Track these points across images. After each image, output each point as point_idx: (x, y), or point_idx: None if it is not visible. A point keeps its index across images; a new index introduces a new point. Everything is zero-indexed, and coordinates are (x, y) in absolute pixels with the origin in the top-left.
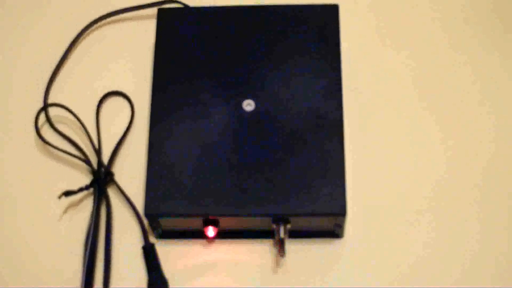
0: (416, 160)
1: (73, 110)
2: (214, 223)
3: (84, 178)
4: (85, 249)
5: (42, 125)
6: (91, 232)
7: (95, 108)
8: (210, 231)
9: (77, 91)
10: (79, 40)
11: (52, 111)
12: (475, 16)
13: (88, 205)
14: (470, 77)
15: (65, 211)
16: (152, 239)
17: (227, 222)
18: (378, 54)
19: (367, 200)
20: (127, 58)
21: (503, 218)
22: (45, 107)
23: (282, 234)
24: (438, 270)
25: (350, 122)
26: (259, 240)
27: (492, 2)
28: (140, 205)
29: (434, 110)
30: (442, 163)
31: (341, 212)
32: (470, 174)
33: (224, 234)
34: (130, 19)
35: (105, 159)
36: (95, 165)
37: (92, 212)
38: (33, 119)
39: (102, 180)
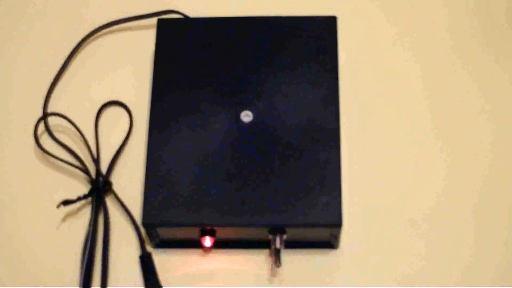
0: (413, 171)
1: (72, 119)
2: (211, 233)
3: (82, 187)
4: (83, 258)
5: (41, 134)
6: (89, 241)
7: (94, 117)
8: (207, 241)
9: (76, 100)
10: (79, 50)
11: (51, 120)
12: (482, 28)
13: (86, 214)
14: (469, 82)
15: (64, 220)
16: (149, 248)
17: (224, 232)
18: (376, 65)
19: (363, 211)
20: (127, 68)
21: (505, 225)
22: (44, 116)
23: (278, 245)
24: (434, 281)
25: (347, 133)
26: (255, 250)
27: (489, 4)
28: (137, 214)
29: (431, 121)
30: (439, 174)
31: (337, 223)
32: (469, 183)
33: (221, 244)
34: (130, 29)
35: (104, 168)
36: (93, 174)
37: (90, 221)
38: (32, 128)
39: (100, 189)
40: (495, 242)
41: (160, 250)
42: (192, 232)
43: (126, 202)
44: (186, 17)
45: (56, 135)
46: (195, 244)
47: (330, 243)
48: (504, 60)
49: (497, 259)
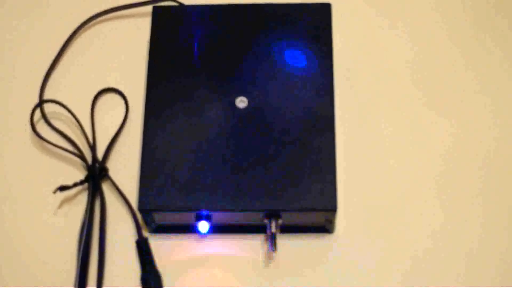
0: (409, 156)
1: (68, 106)
2: (207, 218)
3: (78, 174)
4: (79, 243)
5: (37, 121)
6: (86, 226)
7: (90, 104)
8: (203, 226)
9: (72, 87)
10: (75, 37)
11: (48, 107)
12: (474, 13)
13: (82, 200)
14: (467, 73)
15: (60, 206)
16: (145, 233)
17: (219, 217)
18: (371, 52)
19: (358, 196)
20: (122, 55)
21: (501, 218)
22: (40, 103)
23: (273, 229)
24: (430, 266)
25: (342, 119)
26: (251, 235)
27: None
28: (134, 200)
29: (427, 106)
30: (435, 158)
31: (332, 207)
32: (462, 170)
33: (216, 229)
34: (125, 16)
35: (100, 154)
36: (89, 160)
37: (87, 206)
38: (28, 115)
39: (96, 175)
40: (494, 232)
41: (156, 235)
42: (188, 218)
43: (122, 188)
44: (181, 4)
45: (53, 122)
46: (191, 229)
47: (325, 227)
48: (504, 55)
49: (497, 257)
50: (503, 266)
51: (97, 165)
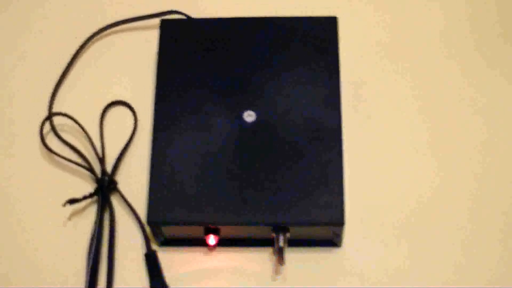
0: (415, 168)
1: (78, 119)
2: (215, 231)
3: (88, 186)
4: (89, 256)
5: (47, 134)
6: (95, 239)
7: (99, 117)
8: (211, 239)
9: (81, 100)
10: (83, 50)
11: (57, 120)
12: (476, 26)
13: (92, 212)
14: (469, 83)
15: (69, 219)
16: (154, 246)
17: (227, 231)
18: (377, 65)
19: (365, 210)
20: (131, 68)
21: (499, 225)
22: (50, 116)
23: (281, 243)
24: (436, 277)
25: (349, 132)
26: (259, 248)
27: (490, 13)
28: (142, 213)
29: (433, 120)
30: (440, 172)
31: (339, 221)
32: (466, 182)
33: (224, 242)
34: (134, 29)
35: (109, 167)
36: (99, 173)
37: (96, 219)
38: (38, 128)
39: (105, 188)
40: (494, 239)
41: (165, 248)
42: (196, 231)
43: (131, 201)
44: (189, 18)
45: (62, 134)
46: (200, 242)
47: (332, 241)
48: (502, 68)
49: (495, 257)
50: None
51: (106, 178)
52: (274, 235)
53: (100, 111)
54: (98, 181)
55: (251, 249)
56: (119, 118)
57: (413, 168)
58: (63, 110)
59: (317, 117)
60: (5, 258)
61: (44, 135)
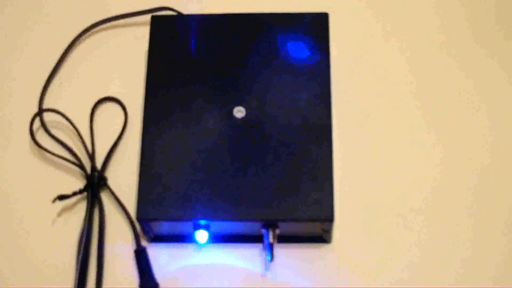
0: (405, 165)
1: (68, 115)
2: (205, 228)
3: (77, 183)
4: (78, 252)
5: (36, 130)
6: (84, 236)
7: (89, 113)
8: (201, 236)
9: (71, 96)
10: (74, 46)
11: (47, 116)
12: (473, 21)
13: (81, 209)
14: (462, 77)
15: (59, 215)
16: (144, 242)
17: (217, 227)
18: (368, 61)
19: (355, 206)
20: (121, 64)
21: (497, 222)
22: (40, 113)
23: (271, 239)
24: (426, 274)
25: (339, 129)
26: (248, 245)
27: (489, 9)
28: (132, 209)
29: (424, 115)
30: (431, 167)
31: (329, 217)
32: (461, 179)
33: (214, 239)
34: (124, 25)
35: (99, 164)
36: (88, 169)
37: (85, 216)
38: (28, 124)
39: (95, 184)
40: (490, 238)
41: (154, 244)
42: (186, 227)
43: (121, 197)
44: (180, 14)
45: (52, 131)
46: (189, 238)
47: (322, 237)
48: (502, 63)
49: (494, 256)
50: None
51: (96, 174)
52: (263, 231)
53: (90, 107)
54: (88, 177)
55: (241, 245)
56: (109, 115)
57: (405, 166)
58: (54, 107)
59: (308, 114)
60: None
61: (34, 132)
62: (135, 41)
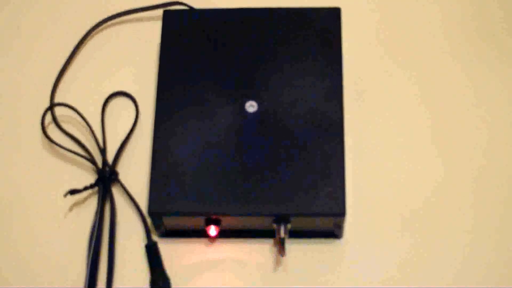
0: (416, 161)
1: (79, 110)
2: (216, 222)
3: (89, 177)
4: (89, 247)
5: (48, 125)
6: (96, 230)
7: (100, 108)
8: (212, 230)
9: (83, 91)
10: (86, 41)
11: (58, 110)
12: (478, 22)
13: (93, 203)
14: (471, 83)
15: (71, 209)
16: (155, 237)
17: (229, 221)
18: (380, 57)
19: (366, 201)
20: (133, 59)
21: (500, 223)
22: (51, 107)
23: (282, 234)
24: (436, 270)
25: (351, 124)
26: (260, 240)
27: (494, 14)
28: (143, 203)
29: (435, 113)
30: (441, 165)
31: (341, 212)
32: (468, 177)
33: (225, 233)
34: (136, 20)
35: (110, 158)
36: (100, 164)
37: (97, 210)
38: (39, 119)
39: (106, 179)
40: (494, 238)
41: (165, 239)
42: (197, 222)
43: (132, 192)
44: (192, 9)
45: (63, 125)
46: (201, 233)
47: (334, 232)
48: (503, 67)
49: (493, 255)
50: None
51: (107, 168)
52: (275, 225)
53: (101, 101)
54: (99, 172)
55: (252, 240)
56: (121, 109)
57: (415, 161)
58: (65, 101)
59: (319, 108)
60: (6, 247)
61: (46, 126)
62: (147, 36)
